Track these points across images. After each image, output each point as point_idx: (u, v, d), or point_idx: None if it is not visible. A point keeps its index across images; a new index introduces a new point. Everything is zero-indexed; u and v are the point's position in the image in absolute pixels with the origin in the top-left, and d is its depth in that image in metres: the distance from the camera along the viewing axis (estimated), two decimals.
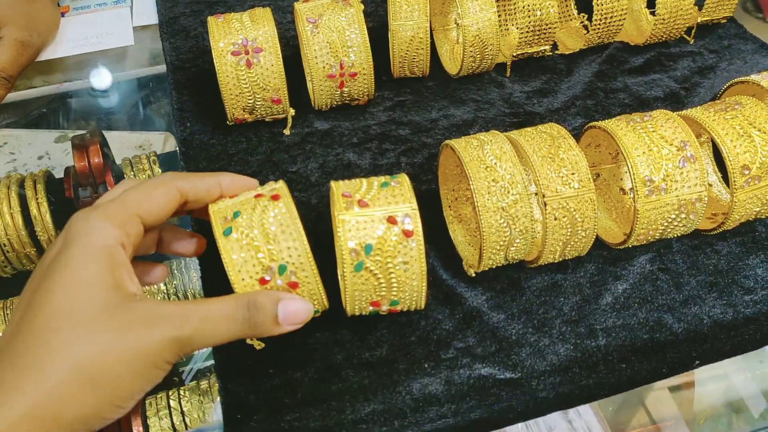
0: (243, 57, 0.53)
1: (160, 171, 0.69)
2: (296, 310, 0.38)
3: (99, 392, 0.33)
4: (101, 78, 0.76)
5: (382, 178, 0.42)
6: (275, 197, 0.39)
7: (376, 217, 0.39)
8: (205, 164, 0.56)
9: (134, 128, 0.84)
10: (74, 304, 0.34)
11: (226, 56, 0.53)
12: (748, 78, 0.49)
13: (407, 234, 0.39)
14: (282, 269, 0.38)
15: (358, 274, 0.39)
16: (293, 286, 0.38)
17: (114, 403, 0.33)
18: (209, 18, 0.55)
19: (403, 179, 0.41)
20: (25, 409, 0.31)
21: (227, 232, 0.38)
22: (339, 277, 0.45)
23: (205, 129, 0.59)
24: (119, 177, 0.68)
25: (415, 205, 0.40)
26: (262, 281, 0.38)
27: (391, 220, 0.39)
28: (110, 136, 0.76)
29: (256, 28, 0.54)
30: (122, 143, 0.83)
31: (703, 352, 0.44)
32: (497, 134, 0.46)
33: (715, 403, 0.62)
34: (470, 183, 0.42)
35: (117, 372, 0.33)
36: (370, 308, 0.41)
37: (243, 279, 0.37)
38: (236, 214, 0.39)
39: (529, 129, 0.46)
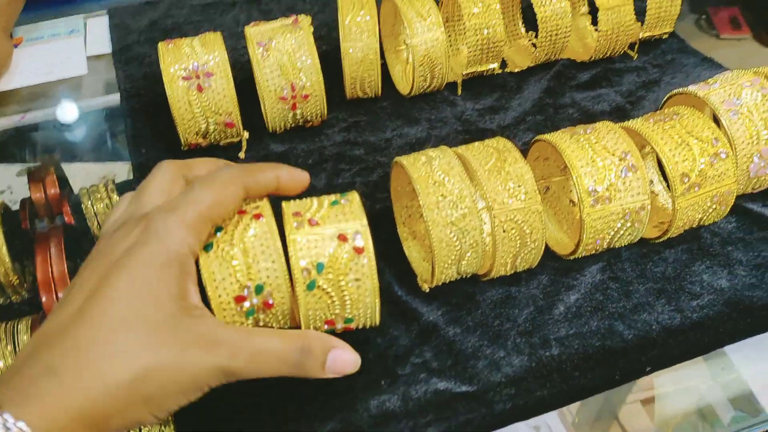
0: (194, 81, 0.54)
1: (117, 199, 0.68)
2: (344, 361, 0.38)
3: (148, 404, 0.33)
4: (65, 110, 0.76)
5: (332, 197, 0.43)
6: (257, 216, 0.40)
7: (327, 235, 0.40)
8: None
9: (100, 159, 0.83)
10: (143, 308, 0.33)
11: (177, 81, 0.53)
12: (685, 89, 0.51)
13: (358, 251, 0.39)
14: (259, 289, 0.38)
15: (311, 293, 0.39)
16: (268, 306, 0.39)
17: (154, 415, 0.34)
18: (159, 44, 0.55)
19: (353, 197, 0.42)
20: (78, 407, 0.31)
21: (208, 248, 0.38)
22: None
23: (160, 155, 0.59)
24: (77, 207, 0.67)
25: (365, 221, 0.40)
26: (239, 299, 0.38)
27: (342, 238, 0.40)
28: (74, 167, 0.76)
29: (207, 53, 0.54)
30: (87, 174, 0.83)
31: (654, 358, 0.45)
32: (445, 149, 0.46)
33: (686, 412, 0.62)
34: (419, 199, 0.43)
35: (169, 389, 0.33)
36: (326, 327, 0.42)
37: (220, 296, 0.38)
38: (218, 229, 0.39)
39: (475, 144, 0.47)
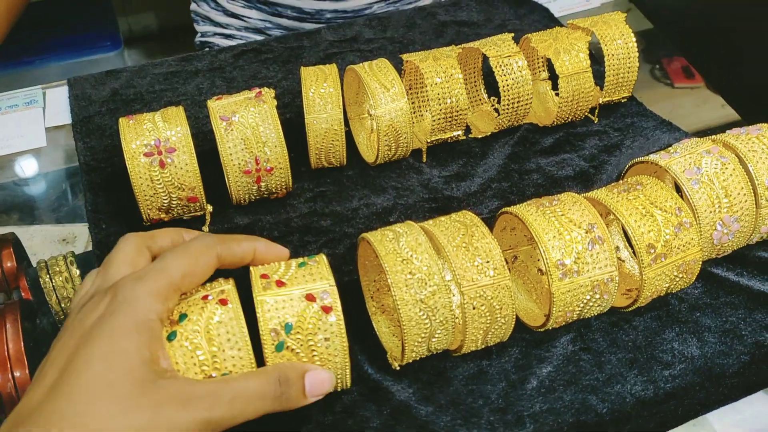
0: (156, 158, 0.53)
1: (78, 272, 0.67)
2: (321, 381, 0.39)
3: None
4: (23, 176, 0.74)
5: (300, 259, 0.43)
6: (223, 301, 0.39)
7: (295, 296, 0.40)
8: None
9: (59, 221, 0.81)
10: (114, 376, 0.34)
11: (139, 157, 0.53)
12: (647, 158, 0.51)
13: (326, 310, 0.39)
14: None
15: (279, 354, 0.39)
16: None
17: None
18: (120, 119, 0.54)
19: (321, 258, 0.42)
20: None
21: (171, 337, 0.38)
22: None
23: (121, 230, 0.57)
24: (34, 281, 0.65)
25: (332, 281, 0.40)
26: None
27: (310, 298, 0.40)
28: (33, 230, 0.74)
29: (169, 128, 0.54)
30: (45, 237, 0.81)
31: (629, 431, 0.45)
32: (412, 225, 0.46)
33: None
34: (387, 277, 0.42)
35: None
36: None
37: None
38: (182, 317, 0.39)
39: (443, 218, 0.47)
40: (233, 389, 0.36)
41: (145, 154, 0.53)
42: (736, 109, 0.77)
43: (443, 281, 0.43)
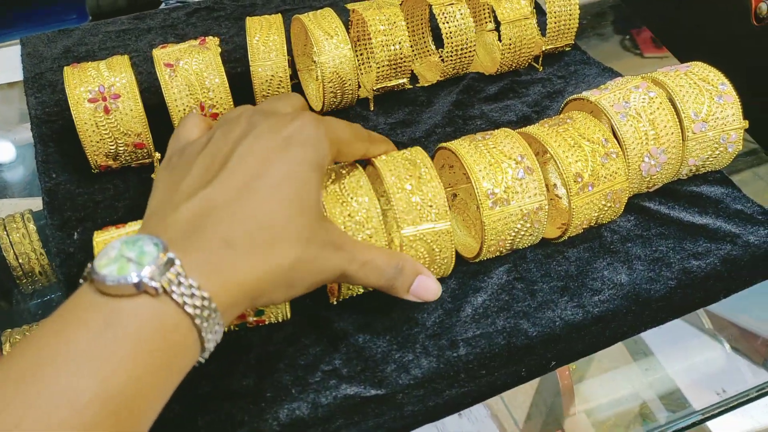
0: (100, 104, 0.54)
1: (34, 227, 0.67)
2: (427, 287, 0.43)
3: (287, 288, 0.37)
4: None
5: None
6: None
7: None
8: (70, 213, 0.56)
9: (32, 194, 0.81)
10: (300, 203, 0.37)
11: (83, 103, 0.53)
12: (579, 95, 0.53)
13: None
14: None
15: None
16: None
17: (286, 297, 0.38)
18: (65, 68, 0.55)
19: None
20: (248, 282, 0.34)
21: None
22: None
23: (71, 179, 0.58)
24: None
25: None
26: None
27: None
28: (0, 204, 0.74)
29: (113, 75, 0.54)
30: (12, 210, 0.81)
31: (558, 353, 0.47)
32: (356, 168, 0.46)
33: (627, 414, 0.64)
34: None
35: (305, 279, 0.37)
36: (236, 321, 0.42)
37: None
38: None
39: (394, 155, 0.47)
40: (367, 254, 0.40)
41: (90, 100, 0.53)
42: None
43: (381, 225, 0.43)
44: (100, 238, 0.42)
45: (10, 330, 0.60)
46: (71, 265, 0.52)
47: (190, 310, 0.31)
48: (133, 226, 0.44)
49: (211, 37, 0.58)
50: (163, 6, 1.02)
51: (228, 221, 0.34)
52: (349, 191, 0.44)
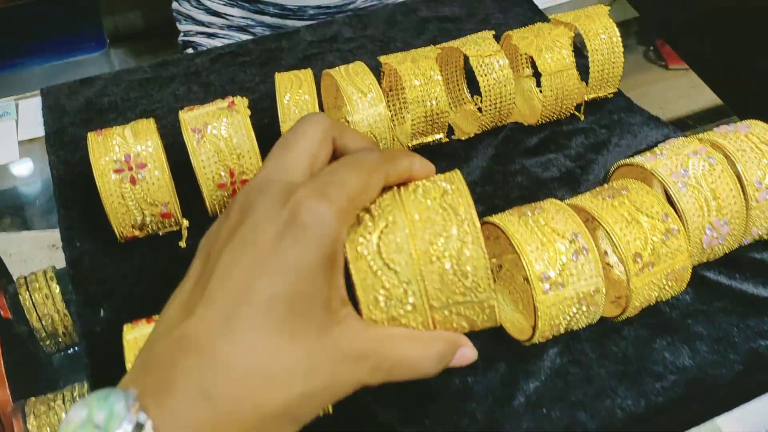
0: (126, 174, 0.51)
1: (57, 288, 0.65)
2: (465, 357, 0.36)
3: (293, 424, 0.31)
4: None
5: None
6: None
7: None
8: (96, 286, 0.53)
9: (51, 226, 0.80)
10: (296, 324, 0.30)
11: (109, 174, 0.51)
12: (633, 160, 0.50)
13: None
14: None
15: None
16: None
17: (294, 429, 0.32)
18: (89, 134, 0.53)
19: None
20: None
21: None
22: None
23: (96, 247, 0.56)
24: (13, 299, 0.64)
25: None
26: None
27: None
28: (21, 236, 0.72)
29: (139, 142, 0.52)
30: (34, 243, 0.79)
31: None
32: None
33: None
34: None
35: (314, 410, 0.32)
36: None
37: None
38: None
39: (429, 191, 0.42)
40: (398, 354, 0.33)
41: (115, 171, 0.51)
42: (720, 96, 0.75)
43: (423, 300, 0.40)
44: (130, 335, 0.40)
45: (33, 399, 0.58)
46: (98, 347, 0.50)
47: None
48: None
49: (239, 98, 0.55)
50: (181, 36, 1.00)
51: (206, 367, 0.29)
52: (387, 254, 0.37)
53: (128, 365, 0.38)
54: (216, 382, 0.29)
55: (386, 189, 0.36)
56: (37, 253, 0.73)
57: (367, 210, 0.36)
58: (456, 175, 0.38)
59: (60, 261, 0.60)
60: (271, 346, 0.30)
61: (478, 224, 0.35)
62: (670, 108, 0.66)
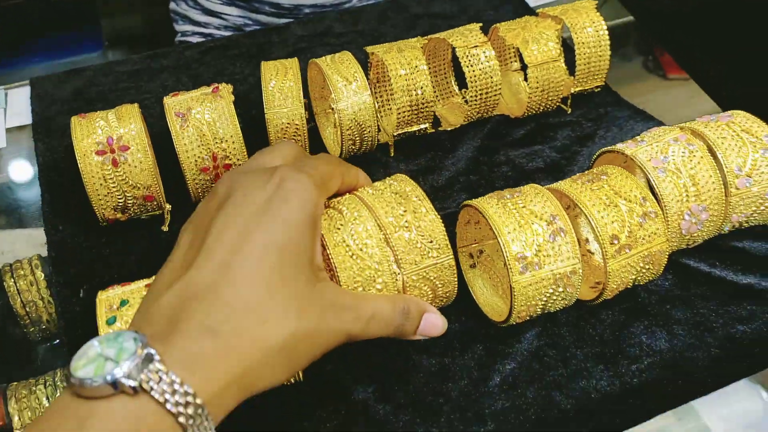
0: (108, 156, 0.51)
1: (42, 275, 0.65)
2: (434, 324, 0.41)
3: (289, 366, 0.34)
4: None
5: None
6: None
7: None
8: (77, 268, 0.53)
9: (36, 225, 0.80)
10: (287, 271, 0.34)
11: (91, 156, 0.51)
12: (614, 147, 0.50)
13: None
14: None
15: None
16: None
17: (290, 374, 0.34)
18: (72, 118, 0.53)
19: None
20: (236, 371, 0.31)
21: (110, 321, 0.38)
22: None
23: (78, 231, 0.56)
24: None
25: None
26: None
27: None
28: (16, 234, 0.72)
29: (122, 126, 0.52)
30: (28, 241, 0.79)
31: (594, 428, 0.43)
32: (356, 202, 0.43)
33: None
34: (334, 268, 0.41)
35: (307, 352, 0.34)
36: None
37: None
38: (123, 303, 0.39)
39: (381, 187, 0.44)
40: (371, 307, 0.38)
41: (97, 153, 0.51)
42: (717, 102, 0.75)
43: (390, 268, 0.41)
44: (103, 296, 0.41)
45: (15, 384, 0.58)
46: (76, 326, 0.49)
47: (171, 408, 0.29)
48: (139, 284, 0.42)
49: (224, 84, 0.55)
50: (179, 37, 1.01)
51: (209, 307, 0.32)
52: (358, 242, 0.41)
53: (100, 321, 0.39)
54: (219, 318, 0.32)
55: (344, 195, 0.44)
56: (31, 251, 0.73)
57: (338, 209, 0.42)
58: (398, 174, 0.46)
59: None
60: (266, 286, 0.33)
61: (426, 197, 0.43)
62: (669, 117, 0.66)
